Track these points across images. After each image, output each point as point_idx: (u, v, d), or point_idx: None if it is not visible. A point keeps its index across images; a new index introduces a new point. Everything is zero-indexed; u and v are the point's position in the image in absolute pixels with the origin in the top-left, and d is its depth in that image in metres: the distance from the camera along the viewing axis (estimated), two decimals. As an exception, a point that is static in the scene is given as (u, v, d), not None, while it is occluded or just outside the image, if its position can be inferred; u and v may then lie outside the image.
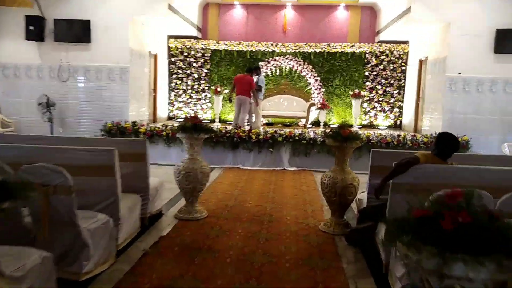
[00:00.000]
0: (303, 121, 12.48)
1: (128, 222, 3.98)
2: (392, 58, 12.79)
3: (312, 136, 8.52)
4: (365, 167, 8.24)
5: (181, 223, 4.76)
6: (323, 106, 11.55)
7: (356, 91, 12.35)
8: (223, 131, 8.61)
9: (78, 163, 3.59)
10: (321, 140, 8.42)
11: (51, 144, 4.23)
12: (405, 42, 12.73)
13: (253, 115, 10.45)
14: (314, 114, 12.70)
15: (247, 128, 9.39)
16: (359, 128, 12.14)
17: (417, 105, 11.84)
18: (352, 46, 12.79)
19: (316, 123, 12.68)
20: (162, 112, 12.97)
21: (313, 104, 11.95)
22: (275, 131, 8.62)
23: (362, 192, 4.80)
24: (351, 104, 12.82)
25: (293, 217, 5.11)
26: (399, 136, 8.56)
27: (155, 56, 12.23)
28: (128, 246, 4.02)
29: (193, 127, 4.86)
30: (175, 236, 4.31)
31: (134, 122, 8.99)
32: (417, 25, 10.35)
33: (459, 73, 9.51)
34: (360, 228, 3.92)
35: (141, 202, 4.38)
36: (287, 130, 8.72)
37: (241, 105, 10.07)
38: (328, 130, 8.49)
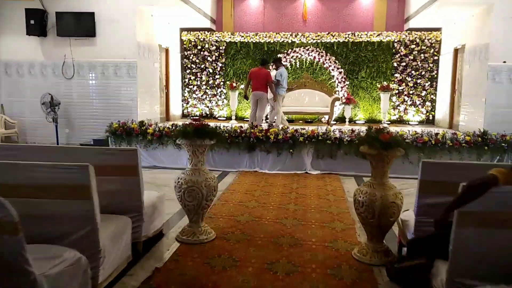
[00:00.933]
0: (326, 117, 11.51)
1: (113, 253, 3.18)
2: (423, 47, 11.67)
3: (338, 135, 7.59)
4: (397, 170, 7.31)
5: (183, 248, 3.94)
6: (348, 101, 10.57)
7: (385, 83, 11.30)
8: (238, 130, 7.76)
9: (42, 183, 2.80)
10: (348, 139, 7.48)
11: (18, 155, 3.46)
12: (437, 30, 11.59)
13: (276, 114, 9.56)
14: (338, 110, 11.74)
15: (265, 127, 8.50)
16: (387, 124, 11.10)
17: (452, 99, 10.74)
18: (378, 34, 11.73)
19: (340, 119, 11.71)
20: (176, 109, 12.21)
21: (337, 99, 10.98)
22: (296, 131, 7.72)
23: (406, 210, 3.87)
24: (379, 98, 11.78)
25: (319, 238, 4.22)
26: (437, 134, 7.54)
27: (167, 50, 11.45)
28: (114, 282, 3.22)
29: (196, 132, 4.01)
30: (173, 268, 3.48)
31: (141, 122, 8.23)
32: (453, 8, 9.24)
33: (504, 62, 8.40)
34: (409, 266, 3.00)
35: (131, 225, 3.57)
36: (309, 129, 7.80)
37: (258, 102, 9.19)
38: (359, 131, 7.62)
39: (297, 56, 11.95)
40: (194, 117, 4.16)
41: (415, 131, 7.69)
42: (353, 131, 7.69)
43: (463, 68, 10.10)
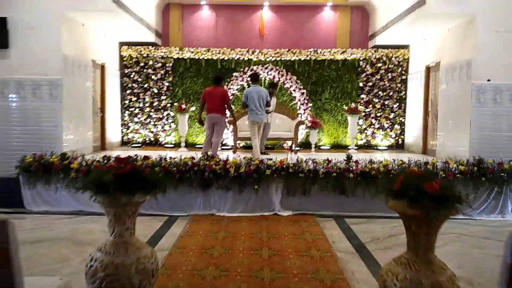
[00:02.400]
0: (289, 143, 10.23)
1: None
2: (390, 66, 10.77)
3: (311, 166, 6.23)
4: (381, 208, 6.07)
5: None
6: (314, 125, 9.33)
7: (353, 105, 10.20)
8: (189, 163, 6.21)
9: None
10: (324, 171, 6.14)
11: None
12: (405, 47, 10.76)
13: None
14: (301, 134, 10.49)
15: (223, 157, 7.03)
16: (355, 149, 9.96)
17: (425, 121, 9.80)
18: (343, 52, 10.71)
19: (305, 145, 10.44)
20: (114, 136, 10.42)
21: (301, 123, 9.72)
22: (261, 162, 6.28)
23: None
24: (344, 121, 10.69)
25: None
26: (426, 164, 6.38)
27: (103, 67, 9.74)
28: None
29: (119, 182, 2.44)
30: None
31: (63, 155, 6.46)
32: (427, 23, 8.35)
33: (489, 80, 7.50)
34: None
35: None
36: (277, 159, 6.39)
37: (214, 126, 7.70)
38: (336, 162, 6.30)
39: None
40: (117, 158, 2.48)
41: (401, 160, 6.48)
42: (329, 161, 6.37)
43: (437, 87, 9.21)
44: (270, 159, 6.33)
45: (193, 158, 6.36)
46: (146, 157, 5.74)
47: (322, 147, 10.57)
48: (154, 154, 9.21)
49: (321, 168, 6.20)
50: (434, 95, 9.39)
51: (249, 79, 10.53)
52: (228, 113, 8.07)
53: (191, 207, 6.19)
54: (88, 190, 2.44)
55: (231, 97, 10.52)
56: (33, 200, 6.46)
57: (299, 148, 9.91)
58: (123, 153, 9.10)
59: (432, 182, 2.24)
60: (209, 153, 7.16)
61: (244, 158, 6.40)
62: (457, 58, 8.16)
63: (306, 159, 6.38)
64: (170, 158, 6.39)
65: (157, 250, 3.55)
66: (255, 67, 10.61)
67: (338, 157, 7.03)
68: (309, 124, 9.41)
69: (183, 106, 9.56)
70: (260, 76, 10.35)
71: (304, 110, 10.72)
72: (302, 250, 4.55)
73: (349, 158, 6.38)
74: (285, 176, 6.18)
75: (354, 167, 6.27)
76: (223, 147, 10.06)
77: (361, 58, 10.73)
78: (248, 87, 8.41)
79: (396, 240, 4.96)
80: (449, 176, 6.17)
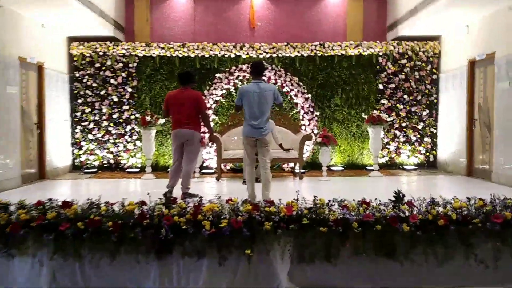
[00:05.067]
0: (292, 164, 7.80)
1: None
2: (417, 63, 8.41)
3: (339, 213, 3.78)
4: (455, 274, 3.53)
5: None
6: (326, 140, 6.88)
7: (375, 113, 7.77)
8: (137, 212, 3.74)
9: None
10: (359, 222, 3.70)
11: None
12: (434, 38, 8.43)
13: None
14: (306, 152, 8.07)
15: (190, 200, 4.57)
16: (377, 171, 7.53)
17: (470, 132, 7.43)
18: (357, 46, 8.34)
19: (311, 166, 8.02)
20: (61, 159, 7.91)
21: (308, 138, 7.27)
22: (256, 207, 3.79)
23: None
24: (361, 133, 8.33)
25: None
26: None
27: (40, 67, 7.26)
28: None
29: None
30: None
31: None
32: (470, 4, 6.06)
33: None
34: None
35: None
36: (281, 203, 3.89)
37: (184, 147, 5.23)
38: (379, 205, 3.50)
39: (244, 76, 8.22)
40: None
41: (481, 201, 4.02)
42: (367, 204, 3.90)
43: (489, 87, 6.86)
44: (269, 205, 3.84)
45: (142, 203, 3.86)
46: (66, 204, 3.77)
47: (332, 168, 8.14)
48: (109, 184, 6.93)
49: (355, 217, 3.75)
50: (484, 97, 7.03)
51: (239, 80, 8.14)
52: (205, 127, 5.58)
53: (140, 285, 3.69)
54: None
55: (212, 106, 8.09)
56: None
57: (304, 171, 7.48)
58: (58, 187, 6.63)
59: None
60: (179, 188, 4.70)
61: (228, 202, 3.89)
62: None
63: (330, 201, 3.89)
64: (107, 204, 3.88)
65: None
66: (244, 66, 8.18)
67: (373, 192, 4.61)
68: (319, 140, 6.96)
69: (148, 118, 7.07)
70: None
71: (309, 120, 8.30)
72: None
73: (398, 197, 3.93)
74: (295, 231, 3.70)
75: (407, 213, 3.84)
76: (203, 171, 7.60)
77: (379, 53, 8.37)
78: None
79: None
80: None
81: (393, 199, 3.94)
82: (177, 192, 5.26)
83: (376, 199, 3.97)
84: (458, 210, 3.86)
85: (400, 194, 3.94)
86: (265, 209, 3.78)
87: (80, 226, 3.63)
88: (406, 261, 3.77)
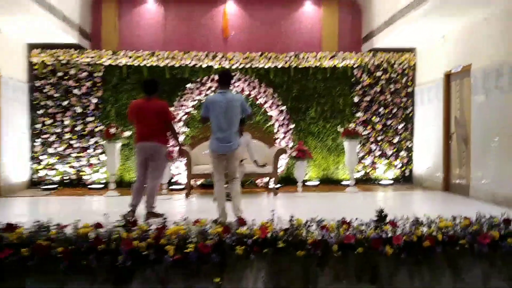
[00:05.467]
0: (266, 179, 7.48)
1: None
2: (392, 75, 8.29)
3: (317, 234, 3.46)
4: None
5: None
6: (301, 154, 6.59)
7: (351, 126, 7.56)
8: (92, 236, 3.31)
9: None
10: (340, 244, 3.39)
11: None
12: (409, 50, 8.34)
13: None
14: (280, 165, 7.76)
15: (153, 222, 4.18)
16: (354, 186, 7.29)
17: (446, 146, 7.30)
18: (332, 57, 8.15)
19: (285, 181, 7.72)
20: (17, 174, 7.32)
21: (282, 151, 6.96)
22: (227, 230, 3.42)
23: None
24: (336, 147, 8.10)
25: None
26: (508, 222, 3.74)
27: (-6, 76, 6.73)
28: None
29: None
30: None
31: None
32: (459, 10, 5.96)
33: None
34: None
35: None
36: (254, 223, 3.54)
37: (149, 162, 4.81)
38: (360, 225, 3.15)
39: (216, 87, 7.89)
40: None
41: (467, 220, 3.78)
42: (347, 224, 3.59)
43: (465, 100, 6.75)
44: (241, 226, 3.49)
45: (98, 226, 3.43)
46: (9, 227, 3.42)
47: (307, 183, 7.85)
48: (68, 202, 6.35)
49: (334, 239, 3.43)
50: (461, 110, 6.92)
51: (211, 91, 7.82)
52: (172, 139, 5.19)
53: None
54: None
55: (183, 118, 7.71)
56: None
57: (279, 185, 7.16)
58: (11, 205, 6.08)
59: None
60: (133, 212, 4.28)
61: (196, 224, 3.51)
62: (502, 58, 5.73)
63: (308, 222, 3.56)
64: (57, 227, 3.43)
65: None
66: (216, 77, 7.85)
67: (351, 209, 4.34)
68: (294, 154, 6.66)
69: (112, 130, 6.61)
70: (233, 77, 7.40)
71: (284, 133, 8.02)
72: None
73: (381, 216, 3.64)
74: (270, 255, 3.36)
75: (390, 233, 3.56)
76: (171, 187, 7.17)
77: (355, 65, 8.20)
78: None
79: None
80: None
81: (375, 218, 3.65)
82: (141, 211, 4.84)
83: (356, 218, 3.68)
84: (443, 230, 3.60)
85: (382, 213, 3.66)
86: (237, 232, 3.42)
87: (25, 253, 3.19)
88: (389, 286, 3.48)
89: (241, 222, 3.54)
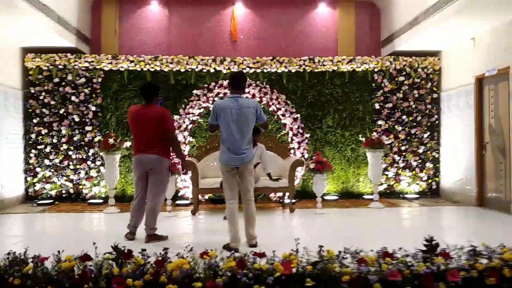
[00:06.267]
0: (280, 194, 6.81)
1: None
2: (416, 80, 7.64)
3: (353, 269, 2.78)
4: None
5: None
6: (320, 167, 5.92)
7: (374, 135, 6.90)
8: (77, 271, 2.67)
9: None
10: (387, 280, 2.71)
11: None
12: (434, 54, 7.69)
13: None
14: (297, 179, 7.08)
15: (153, 250, 3.50)
16: (377, 201, 6.60)
17: (479, 157, 6.61)
18: (350, 61, 7.52)
19: (301, 195, 7.05)
20: (11, 188, 6.72)
21: (299, 163, 6.29)
22: (241, 263, 2.76)
23: None
24: (356, 158, 7.44)
25: None
26: None
27: (-17, 81, 6.17)
28: None
29: None
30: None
31: None
32: (491, 8, 5.32)
33: None
34: None
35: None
36: (276, 257, 2.87)
37: (149, 177, 4.18)
38: (405, 257, 2.46)
39: (224, 93, 7.28)
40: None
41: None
42: (390, 256, 2.91)
43: (503, 106, 6.07)
44: (258, 259, 2.82)
45: (85, 258, 2.78)
46: None
47: (325, 197, 7.17)
48: (64, 219, 5.67)
49: (373, 273, 2.76)
50: (496, 118, 6.24)
51: (219, 97, 7.22)
52: (173, 152, 4.54)
53: None
54: None
55: (188, 127, 7.10)
56: None
57: (294, 200, 6.48)
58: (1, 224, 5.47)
59: None
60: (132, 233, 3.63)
61: (203, 257, 2.85)
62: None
63: (341, 254, 2.89)
64: (35, 260, 2.80)
65: None
66: (225, 82, 7.25)
67: (379, 229, 3.67)
68: (313, 166, 5.99)
69: (111, 140, 5.99)
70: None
71: (299, 143, 7.37)
72: None
73: (432, 246, 2.96)
74: (295, 296, 2.69)
75: (442, 266, 2.87)
76: (177, 203, 6.54)
77: (375, 69, 7.56)
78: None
79: None
80: None
81: (426, 248, 2.97)
82: (141, 232, 4.20)
83: (400, 248, 3.00)
84: (509, 263, 2.91)
85: (433, 241, 2.98)
86: (254, 267, 2.75)
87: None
88: (445, 334, 2.78)
89: (259, 254, 2.89)
